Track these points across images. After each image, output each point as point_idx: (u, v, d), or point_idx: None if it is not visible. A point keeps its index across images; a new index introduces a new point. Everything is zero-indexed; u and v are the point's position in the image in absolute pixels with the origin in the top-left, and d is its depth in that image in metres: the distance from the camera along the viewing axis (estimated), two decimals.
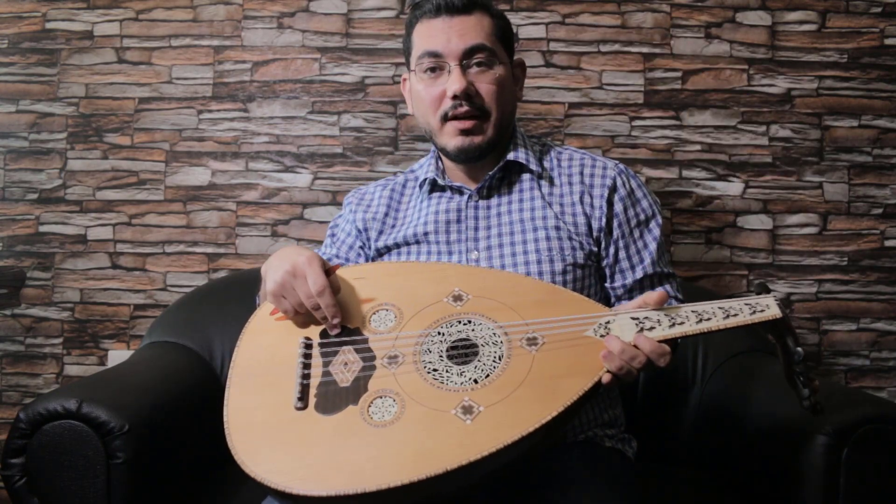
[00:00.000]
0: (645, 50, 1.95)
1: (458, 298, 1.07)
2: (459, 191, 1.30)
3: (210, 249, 1.96)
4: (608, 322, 1.03)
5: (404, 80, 1.34)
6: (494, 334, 1.03)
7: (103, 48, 1.97)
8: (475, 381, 0.97)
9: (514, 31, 1.93)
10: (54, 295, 1.96)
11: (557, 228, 1.24)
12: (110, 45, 1.97)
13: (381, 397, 0.97)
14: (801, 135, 1.94)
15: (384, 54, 1.95)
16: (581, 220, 1.26)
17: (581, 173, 1.29)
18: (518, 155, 1.29)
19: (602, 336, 1.02)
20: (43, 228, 1.96)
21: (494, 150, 1.27)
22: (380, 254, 1.34)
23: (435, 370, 0.99)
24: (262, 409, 0.99)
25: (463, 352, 1.02)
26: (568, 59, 1.95)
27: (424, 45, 1.24)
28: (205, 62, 1.97)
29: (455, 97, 1.22)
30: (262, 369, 1.04)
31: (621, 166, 1.31)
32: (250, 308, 1.22)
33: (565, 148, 1.35)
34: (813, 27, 1.95)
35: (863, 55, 1.94)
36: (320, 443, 0.93)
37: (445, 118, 1.24)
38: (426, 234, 1.28)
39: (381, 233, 1.34)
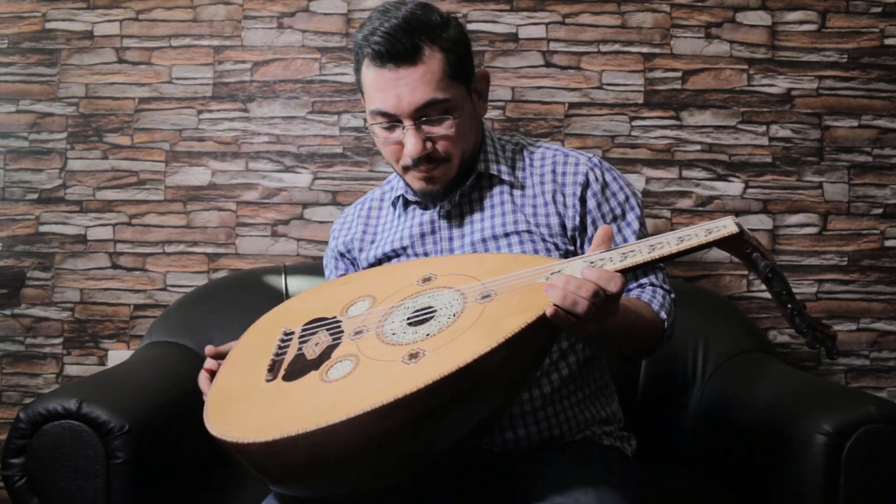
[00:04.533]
0: (645, 50, 1.95)
1: (426, 280, 1.12)
2: (432, 203, 1.29)
3: (210, 249, 1.96)
4: (560, 270, 1.01)
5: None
6: (453, 298, 1.06)
7: (103, 48, 1.97)
8: (427, 335, 1.00)
9: (516, 30, 1.95)
10: (54, 295, 1.95)
11: (529, 232, 1.23)
12: (110, 45, 1.97)
13: (340, 362, 1.00)
14: (801, 135, 1.94)
15: None
16: (554, 220, 1.24)
17: (553, 171, 1.27)
18: (489, 167, 1.27)
19: None
20: (43, 228, 1.96)
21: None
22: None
23: (394, 334, 1.03)
24: (237, 386, 1.04)
25: (424, 317, 1.04)
26: (568, 59, 1.95)
27: (375, 100, 1.19)
28: (205, 62, 1.96)
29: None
30: (248, 358, 1.09)
31: (595, 160, 1.27)
32: (250, 308, 1.23)
33: (538, 146, 1.32)
34: (813, 27, 1.95)
35: (863, 55, 1.94)
36: (279, 403, 0.98)
37: (407, 168, 1.23)
38: (404, 247, 1.29)
39: (361, 250, 1.36)
